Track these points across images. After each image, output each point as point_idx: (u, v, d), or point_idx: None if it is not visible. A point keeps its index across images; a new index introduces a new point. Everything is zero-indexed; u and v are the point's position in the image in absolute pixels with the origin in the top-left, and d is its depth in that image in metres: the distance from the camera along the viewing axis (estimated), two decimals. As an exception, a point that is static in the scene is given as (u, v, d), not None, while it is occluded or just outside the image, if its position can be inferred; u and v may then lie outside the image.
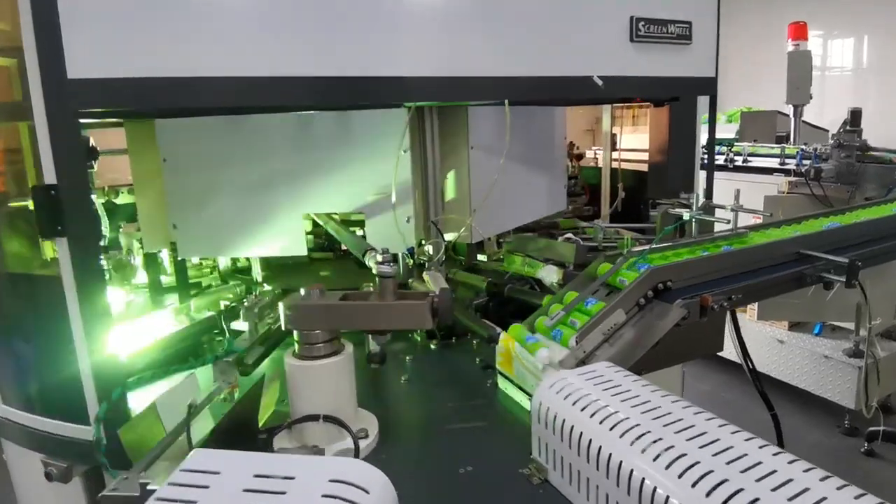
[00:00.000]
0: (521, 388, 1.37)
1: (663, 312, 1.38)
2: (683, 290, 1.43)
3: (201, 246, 1.87)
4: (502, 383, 1.46)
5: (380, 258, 1.19)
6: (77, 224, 1.18)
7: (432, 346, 1.77)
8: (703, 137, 2.44)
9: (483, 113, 1.85)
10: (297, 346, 1.20)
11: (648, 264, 1.46)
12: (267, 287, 1.99)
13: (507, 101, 1.57)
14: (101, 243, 2.35)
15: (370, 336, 1.46)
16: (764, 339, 3.77)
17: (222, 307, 1.91)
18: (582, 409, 0.99)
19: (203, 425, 1.24)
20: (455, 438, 1.27)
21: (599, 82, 1.60)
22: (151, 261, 2.02)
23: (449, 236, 1.86)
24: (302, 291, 1.19)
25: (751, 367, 1.93)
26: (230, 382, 1.35)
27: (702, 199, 1.69)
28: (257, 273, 2.10)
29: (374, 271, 1.19)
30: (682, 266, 1.46)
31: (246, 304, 1.50)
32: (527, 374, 1.34)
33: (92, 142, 2.21)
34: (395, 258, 1.77)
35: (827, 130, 4.91)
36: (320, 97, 1.37)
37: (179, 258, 1.89)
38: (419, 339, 1.81)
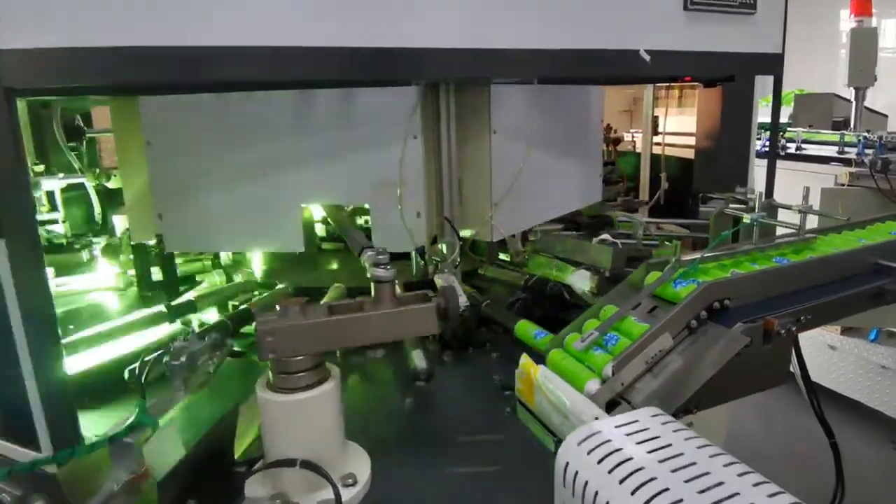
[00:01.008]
0: (543, 425, 1.15)
1: (718, 337, 1.14)
2: (742, 309, 1.19)
3: (189, 239, 1.68)
4: (521, 413, 1.24)
5: (376, 259, 0.99)
6: (15, 222, 0.99)
7: (445, 359, 1.56)
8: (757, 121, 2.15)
9: (508, 92, 1.60)
10: (270, 374, 1.00)
11: (696, 279, 1.22)
12: (273, 281, 1.80)
13: (536, 80, 1.32)
14: (94, 228, 2.22)
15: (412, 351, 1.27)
16: (813, 344, 3.47)
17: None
18: (620, 482, 0.76)
19: (171, 454, 1.06)
20: (462, 487, 1.07)
21: (647, 58, 1.34)
22: (140, 253, 1.83)
23: (466, 233, 1.63)
24: (277, 308, 0.98)
25: (808, 381, 1.68)
26: (132, 471, 0.92)
27: (763, 198, 1.43)
28: (256, 268, 1.91)
29: (368, 274, 0.99)
30: (744, 281, 1.21)
31: (172, 348, 1.09)
32: (551, 409, 1.11)
33: (78, 121, 2.05)
34: (407, 256, 1.55)
35: (886, 115, 4.52)
36: (310, 72, 1.15)
37: (166, 252, 1.70)
38: (431, 349, 1.60)
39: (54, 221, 2.17)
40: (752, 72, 1.75)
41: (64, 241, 2.17)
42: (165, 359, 1.14)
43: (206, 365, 1.16)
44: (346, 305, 1.02)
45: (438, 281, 1.48)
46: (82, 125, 2.01)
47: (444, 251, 1.53)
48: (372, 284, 1.00)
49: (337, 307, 1.02)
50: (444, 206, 1.56)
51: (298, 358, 0.98)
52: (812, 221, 1.37)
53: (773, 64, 1.66)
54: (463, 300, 1.46)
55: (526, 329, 1.40)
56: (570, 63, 1.28)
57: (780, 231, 1.43)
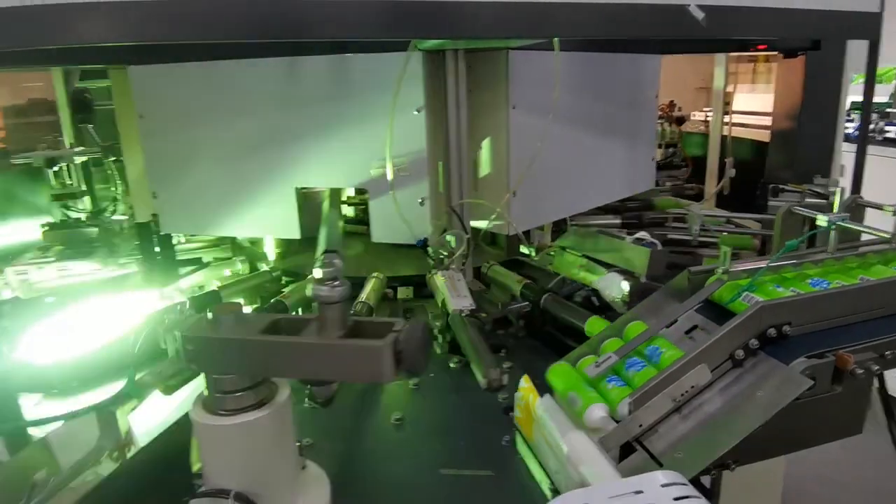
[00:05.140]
0: (541, 466, 0.95)
1: (772, 375, 0.89)
2: (806, 338, 0.93)
3: (184, 220, 1.56)
4: (521, 446, 1.03)
5: (320, 272, 0.75)
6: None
7: (451, 365, 1.36)
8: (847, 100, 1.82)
9: (530, 59, 1.36)
10: (206, 391, 0.84)
11: (753, 295, 0.97)
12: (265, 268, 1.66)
13: (556, 40, 1.08)
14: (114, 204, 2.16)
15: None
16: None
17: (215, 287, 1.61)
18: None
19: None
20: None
21: (700, 15, 1.08)
22: (144, 231, 1.73)
23: (481, 225, 1.42)
24: (209, 315, 0.82)
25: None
26: (116, 440, 0.99)
27: (846, 194, 1.14)
28: (269, 251, 1.77)
29: (309, 292, 0.78)
30: (810, 303, 0.95)
31: (166, 321, 1.09)
32: (548, 450, 0.91)
33: (88, 94, 1.97)
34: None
35: None
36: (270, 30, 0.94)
37: (162, 233, 1.59)
38: (438, 351, 1.41)
39: (74, 195, 2.12)
40: (841, 35, 1.43)
41: (84, 215, 2.12)
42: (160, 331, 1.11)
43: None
44: (290, 322, 0.83)
45: (441, 279, 1.29)
46: (90, 97, 1.93)
47: (453, 245, 1.32)
48: (316, 305, 0.78)
49: (281, 323, 0.83)
50: (453, 192, 1.35)
51: (231, 375, 0.81)
52: (909, 226, 1.07)
53: (867, 26, 1.32)
54: (467, 302, 1.27)
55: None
56: (596, 20, 1.03)
57: (867, 237, 1.14)
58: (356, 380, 0.81)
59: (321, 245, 1.22)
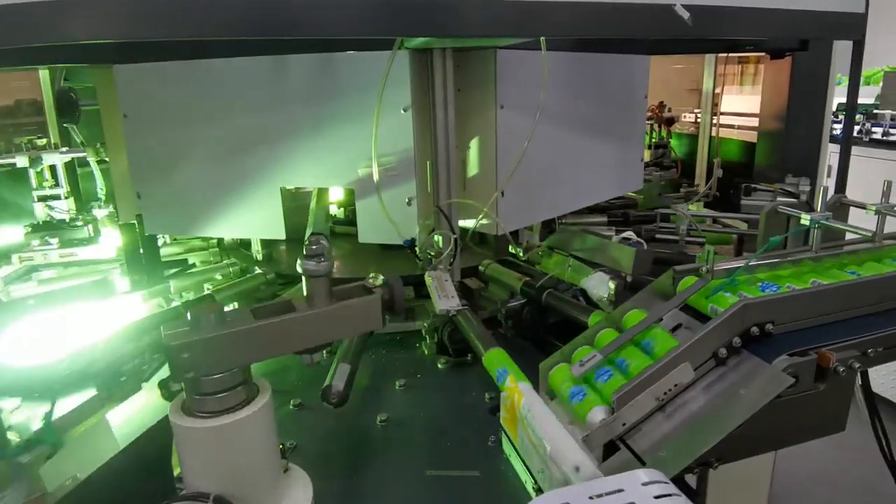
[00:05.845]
0: (525, 466, 0.94)
1: (755, 373, 0.89)
2: (789, 336, 0.94)
3: (168, 221, 1.54)
4: (506, 446, 1.03)
5: (308, 249, 0.84)
6: None
7: (439, 366, 1.36)
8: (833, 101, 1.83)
9: (519, 58, 1.36)
10: (185, 393, 0.83)
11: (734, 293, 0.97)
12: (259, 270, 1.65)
13: (543, 40, 1.08)
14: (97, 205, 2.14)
15: None
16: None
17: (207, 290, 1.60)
18: (578, 592, 0.55)
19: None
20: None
21: (685, 14, 1.08)
22: (129, 233, 1.71)
23: (467, 224, 1.41)
24: (189, 317, 0.81)
25: (878, 423, 1.39)
26: (26, 495, 0.82)
27: (830, 193, 1.15)
28: (256, 250, 1.76)
29: (299, 268, 0.83)
30: (793, 301, 0.95)
31: (92, 351, 1.04)
32: (532, 450, 0.90)
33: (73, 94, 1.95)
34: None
35: None
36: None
37: (147, 234, 1.57)
38: (426, 352, 1.41)
39: (57, 197, 2.10)
40: (825, 35, 1.43)
41: (67, 216, 2.10)
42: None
43: (138, 372, 1.06)
44: (272, 307, 0.85)
45: (428, 279, 1.28)
46: (76, 97, 1.91)
47: (440, 245, 1.31)
48: (305, 280, 0.85)
49: (261, 310, 0.84)
50: (441, 192, 1.34)
51: (218, 376, 0.81)
52: (893, 225, 1.08)
53: (852, 27, 1.33)
54: (454, 303, 1.26)
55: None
56: (583, 20, 1.02)
57: (851, 237, 1.15)
58: (353, 334, 1.05)
59: (309, 229, 1.23)
